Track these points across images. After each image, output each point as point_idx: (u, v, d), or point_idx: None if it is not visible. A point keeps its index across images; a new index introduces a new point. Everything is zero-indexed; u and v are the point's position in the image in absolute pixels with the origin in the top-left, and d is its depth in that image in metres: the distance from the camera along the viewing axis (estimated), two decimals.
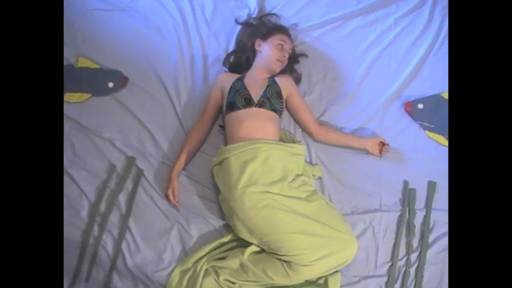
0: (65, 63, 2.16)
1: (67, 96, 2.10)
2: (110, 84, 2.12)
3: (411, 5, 2.23)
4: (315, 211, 1.78)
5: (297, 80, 2.12)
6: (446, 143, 2.02)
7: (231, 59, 2.14)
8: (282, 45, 2.02)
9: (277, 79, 2.04)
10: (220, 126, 2.07)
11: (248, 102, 1.92)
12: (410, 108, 2.07)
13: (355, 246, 1.77)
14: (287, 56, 2.03)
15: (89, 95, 2.12)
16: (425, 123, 2.06)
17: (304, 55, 2.16)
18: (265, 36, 2.06)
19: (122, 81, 2.13)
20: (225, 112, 1.98)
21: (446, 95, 2.07)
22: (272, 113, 1.94)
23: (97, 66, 2.16)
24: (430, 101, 2.08)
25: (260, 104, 1.93)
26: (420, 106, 2.07)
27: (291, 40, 2.09)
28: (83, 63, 2.15)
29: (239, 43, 2.16)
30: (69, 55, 2.17)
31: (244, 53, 2.10)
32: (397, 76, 2.13)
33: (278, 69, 2.04)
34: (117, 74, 2.14)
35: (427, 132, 2.06)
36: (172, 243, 1.91)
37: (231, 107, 1.93)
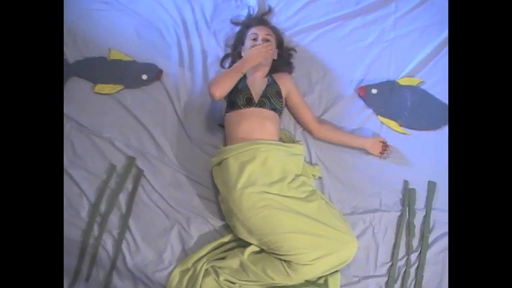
0: (96, 55, 2.17)
1: (98, 88, 2.12)
2: (144, 77, 2.13)
3: (411, 5, 2.23)
4: (314, 211, 1.78)
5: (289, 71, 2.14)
6: (399, 129, 2.06)
7: (229, 60, 2.14)
8: (255, 38, 2.02)
9: (276, 78, 2.04)
10: (220, 125, 2.06)
11: (249, 102, 1.92)
12: (363, 92, 2.08)
13: (355, 246, 1.77)
14: (263, 42, 2.00)
15: (122, 87, 2.13)
16: (378, 108, 2.09)
17: (292, 49, 2.16)
18: (243, 40, 2.08)
19: (156, 74, 2.14)
20: (226, 111, 1.98)
21: (402, 82, 2.10)
22: (272, 112, 1.94)
23: (130, 58, 2.17)
24: (383, 86, 2.10)
25: (260, 104, 1.93)
26: (374, 91, 2.08)
27: (265, 27, 2.09)
28: (116, 55, 2.16)
29: (233, 47, 2.16)
30: (101, 48, 2.18)
31: (238, 58, 2.10)
32: (397, 76, 2.14)
33: (263, 60, 1.99)
34: (151, 66, 2.15)
35: (379, 117, 2.08)
36: (172, 243, 1.91)
37: (232, 105, 1.93)
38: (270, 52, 1.95)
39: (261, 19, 2.16)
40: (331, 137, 2.03)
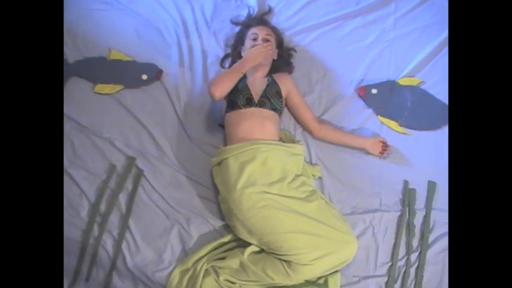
0: (96, 55, 2.17)
1: (98, 88, 2.12)
2: (144, 77, 2.13)
3: (411, 5, 2.23)
4: (314, 211, 1.78)
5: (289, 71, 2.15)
6: (399, 129, 2.06)
7: (229, 60, 2.14)
8: (255, 38, 2.02)
9: (276, 78, 2.04)
10: (220, 125, 2.06)
11: (249, 102, 1.92)
12: (363, 92, 2.08)
13: (355, 246, 1.77)
14: (263, 42, 2.00)
15: (122, 87, 2.12)
16: (378, 108, 2.09)
17: (292, 49, 2.16)
18: (243, 40, 2.08)
19: (156, 74, 2.14)
20: (225, 111, 1.98)
21: (402, 82, 2.11)
22: (272, 112, 1.94)
23: (130, 58, 2.17)
24: (383, 86, 2.10)
25: (260, 104, 1.93)
26: (374, 91, 2.08)
27: (265, 27, 2.09)
28: (115, 55, 2.17)
29: (233, 47, 2.16)
30: (101, 48, 2.18)
31: (238, 58, 2.10)
32: (397, 76, 2.14)
33: (263, 60, 1.98)
34: (151, 66, 2.15)
35: (379, 117, 2.08)
36: (172, 243, 1.91)
37: (232, 105, 1.93)
38: (270, 52, 1.95)
39: (261, 19, 2.16)
40: (331, 137, 2.03)
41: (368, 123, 2.09)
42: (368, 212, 1.94)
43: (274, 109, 1.95)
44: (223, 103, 2.03)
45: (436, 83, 2.11)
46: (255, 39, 2.02)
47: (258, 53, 1.92)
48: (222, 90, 1.86)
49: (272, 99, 1.95)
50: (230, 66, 2.13)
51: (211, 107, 2.11)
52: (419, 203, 1.95)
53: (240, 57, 2.07)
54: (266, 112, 1.93)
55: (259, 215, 1.73)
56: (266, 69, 2.05)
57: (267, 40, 2.02)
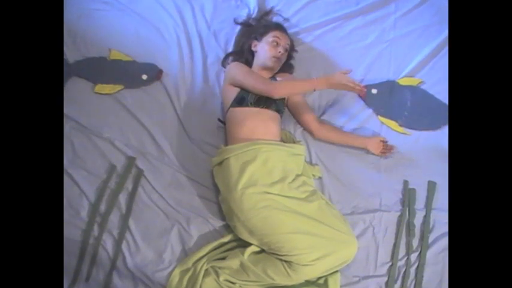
0: (96, 55, 2.17)
1: (98, 88, 2.11)
2: (144, 77, 2.13)
3: (411, 5, 2.23)
4: (315, 211, 1.78)
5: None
6: (399, 129, 2.06)
7: (230, 59, 2.14)
8: (277, 42, 2.01)
9: (279, 79, 2.03)
10: (219, 120, 2.06)
11: (258, 102, 1.90)
12: (363, 92, 2.09)
13: (355, 246, 1.77)
14: (283, 51, 2.01)
15: (122, 87, 2.12)
16: (378, 108, 2.09)
17: (294, 50, 2.15)
18: (260, 36, 2.05)
19: (156, 74, 2.14)
20: (231, 105, 1.95)
21: (402, 82, 2.11)
22: (275, 113, 1.95)
23: (130, 58, 2.17)
24: (383, 86, 2.10)
25: (267, 105, 1.92)
26: (374, 91, 2.08)
27: (287, 36, 2.07)
28: (116, 55, 2.17)
29: (237, 44, 2.16)
30: (101, 48, 2.18)
31: (242, 55, 2.10)
32: (397, 76, 2.14)
33: (276, 67, 2.01)
34: (151, 66, 2.15)
35: (379, 117, 2.08)
36: (172, 243, 1.91)
37: (241, 101, 1.92)
38: (356, 91, 1.82)
39: (281, 24, 2.13)
40: (332, 137, 2.03)
41: (368, 123, 2.09)
42: (368, 212, 1.94)
43: (278, 110, 1.95)
44: (224, 101, 2.02)
45: (436, 83, 2.11)
46: (277, 44, 2.00)
47: (346, 83, 1.78)
48: (283, 94, 1.88)
49: (278, 100, 1.94)
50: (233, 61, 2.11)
51: (211, 107, 2.11)
52: (419, 203, 1.95)
53: (251, 51, 2.06)
54: (270, 113, 1.93)
55: (260, 216, 1.73)
56: (274, 72, 2.05)
57: (286, 49, 2.03)
